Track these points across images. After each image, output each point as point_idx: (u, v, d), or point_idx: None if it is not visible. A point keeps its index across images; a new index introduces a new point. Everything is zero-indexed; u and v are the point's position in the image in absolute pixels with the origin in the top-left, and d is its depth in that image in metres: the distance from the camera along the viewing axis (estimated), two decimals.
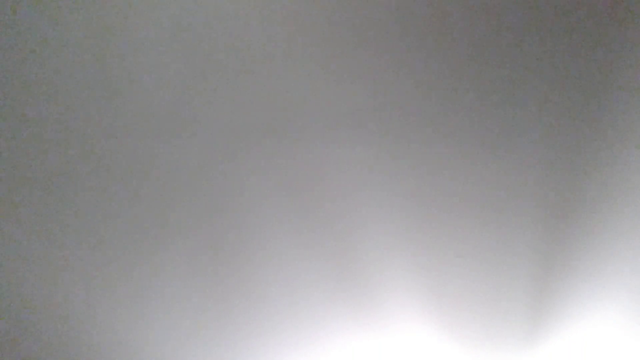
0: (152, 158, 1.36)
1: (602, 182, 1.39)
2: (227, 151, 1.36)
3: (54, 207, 1.40)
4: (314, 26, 1.24)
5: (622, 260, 1.48)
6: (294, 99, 1.31)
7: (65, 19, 1.21)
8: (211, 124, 1.33)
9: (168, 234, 1.44)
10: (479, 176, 1.39)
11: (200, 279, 1.50)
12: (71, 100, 1.29)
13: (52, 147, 1.33)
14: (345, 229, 1.45)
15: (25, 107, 1.29)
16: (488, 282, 1.51)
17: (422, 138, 1.35)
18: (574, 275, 1.50)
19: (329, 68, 1.28)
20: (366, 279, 1.51)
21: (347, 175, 1.39)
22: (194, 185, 1.39)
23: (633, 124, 1.33)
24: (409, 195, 1.41)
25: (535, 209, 1.42)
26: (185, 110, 1.31)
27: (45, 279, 1.48)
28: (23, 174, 1.36)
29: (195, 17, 1.22)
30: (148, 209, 1.41)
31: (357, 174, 1.39)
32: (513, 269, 1.49)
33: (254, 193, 1.40)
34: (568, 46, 1.26)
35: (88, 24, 1.22)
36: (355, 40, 1.25)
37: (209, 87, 1.29)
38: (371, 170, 1.38)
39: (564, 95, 1.31)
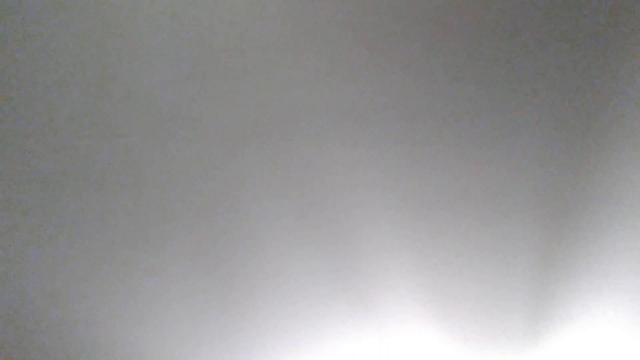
0: (152, 158, 1.36)
1: (602, 182, 1.39)
2: (227, 151, 1.36)
3: (54, 207, 1.40)
4: (314, 26, 1.24)
5: (622, 260, 1.48)
6: (294, 99, 1.31)
7: (66, 19, 1.21)
8: (211, 123, 1.33)
9: (168, 233, 1.44)
10: (479, 176, 1.39)
11: (200, 279, 1.50)
12: (71, 100, 1.29)
13: (52, 147, 1.33)
14: (345, 229, 1.45)
15: (25, 108, 1.29)
16: (488, 282, 1.51)
17: (422, 138, 1.35)
18: (574, 275, 1.50)
19: (329, 68, 1.28)
20: (366, 279, 1.51)
21: (347, 175, 1.39)
22: (193, 185, 1.39)
23: (633, 124, 1.33)
24: (409, 195, 1.41)
25: (535, 209, 1.42)
26: (185, 110, 1.31)
27: (45, 279, 1.48)
28: (23, 174, 1.36)
29: (195, 17, 1.22)
30: (148, 208, 1.41)
31: (357, 174, 1.39)
32: (513, 268, 1.49)
33: (254, 193, 1.40)
34: (568, 46, 1.26)
35: (88, 24, 1.22)
36: (355, 40, 1.25)
37: (209, 87, 1.29)
38: (371, 170, 1.38)
39: (564, 95, 1.31)
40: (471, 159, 1.37)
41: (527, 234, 1.45)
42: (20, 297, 1.50)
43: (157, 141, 1.34)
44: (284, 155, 1.36)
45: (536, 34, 1.25)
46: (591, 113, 1.32)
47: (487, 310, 1.55)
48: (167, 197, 1.40)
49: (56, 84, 1.27)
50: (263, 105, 1.31)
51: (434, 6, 1.23)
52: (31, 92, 1.28)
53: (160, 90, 1.29)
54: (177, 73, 1.27)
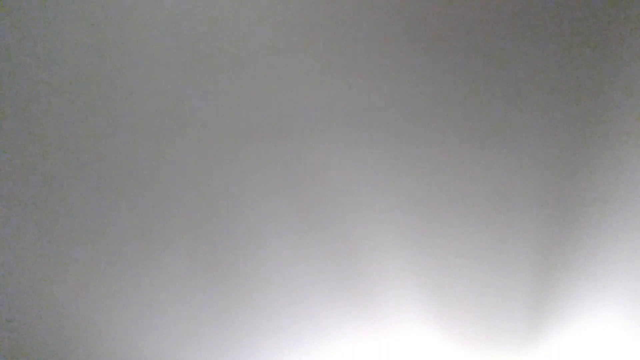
0: (152, 158, 1.36)
1: (602, 182, 1.39)
2: (227, 151, 1.36)
3: (54, 207, 1.40)
4: (315, 26, 1.24)
5: (622, 260, 1.48)
6: (294, 99, 1.31)
7: (65, 18, 1.21)
8: (211, 123, 1.33)
9: (168, 234, 1.44)
10: (480, 176, 1.39)
11: (200, 279, 1.50)
12: (71, 100, 1.29)
13: (52, 147, 1.33)
14: (345, 229, 1.45)
15: (25, 107, 1.29)
16: (488, 282, 1.51)
17: (422, 138, 1.35)
18: (574, 275, 1.50)
19: (329, 68, 1.28)
20: (366, 279, 1.51)
21: (347, 175, 1.39)
22: (194, 185, 1.39)
23: (633, 124, 1.33)
24: (409, 195, 1.41)
25: (535, 209, 1.42)
26: (185, 110, 1.31)
27: (45, 279, 1.48)
28: (23, 174, 1.36)
29: (195, 17, 1.22)
30: (148, 209, 1.41)
31: (357, 174, 1.39)
32: (513, 269, 1.49)
33: (254, 193, 1.40)
34: (568, 46, 1.26)
35: (88, 24, 1.22)
36: (356, 40, 1.25)
37: (209, 87, 1.29)
38: (371, 170, 1.38)
39: (564, 95, 1.31)
40: (471, 159, 1.37)
41: (527, 234, 1.45)
42: (20, 298, 1.50)
43: (157, 141, 1.34)
44: (284, 155, 1.36)
45: (536, 34, 1.25)
46: (591, 113, 1.32)
47: (487, 310, 1.55)
48: (167, 197, 1.40)
49: (56, 83, 1.27)
50: (263, 105, 1.31)
51: (433, 6, 1.23)
52: (31, 93, 1.28)
53: (160, 91, 1.29)
54: (177, 73, 1.27)
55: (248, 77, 1.28)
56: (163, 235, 1.44)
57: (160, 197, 1.40)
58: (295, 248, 1.47)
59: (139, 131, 1.33)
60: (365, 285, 1.51)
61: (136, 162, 1.36)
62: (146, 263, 1.48)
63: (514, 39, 1.25)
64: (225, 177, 1.39)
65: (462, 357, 1.61)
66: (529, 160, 1.37)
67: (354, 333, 1.58)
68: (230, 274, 1.50)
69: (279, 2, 1.22)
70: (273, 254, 1.48)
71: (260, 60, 1.27)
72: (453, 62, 1.27)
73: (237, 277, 1.50)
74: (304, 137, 1.35)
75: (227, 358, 1.60)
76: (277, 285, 1.51)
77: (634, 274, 1.49)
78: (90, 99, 1.29)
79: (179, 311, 1.54)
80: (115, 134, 1.33)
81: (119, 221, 1.42)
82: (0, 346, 1.56)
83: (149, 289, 1.50)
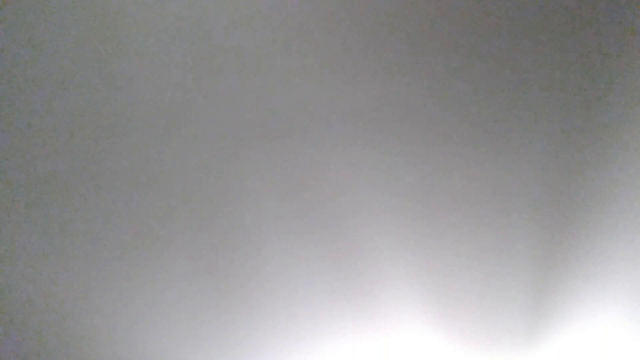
0: (152, 158, 1.36)
1: (602, 182, 1.39)
2: (227, 151, 1.36)
3: (54, 207, 1.40)
4: (314, 26, 1.24)
5: (622, 260, 1.48)
6: (294, 99, 1.31)
7: (66, 19, 1.21)
8: (211, 124, 1.33)
9: (168, 234, 1.44)
10: (479, 176, 1.39)
11: (200, 279, 1.50)
12: (71, 100, 1.29)
13: (52, 147, 1.33)
14: (345, 229, 1.45)
15: (25, 107, 1.29)
16: (488, 282, 1.51)
17: (422, 138, 1.35)
18: (574, 275, 1.50)
19: (329, 68, 1.28)
20: (366, 279, 1.51)
21: (347, 175, 1.39)
22: (194, 185, 1.39)
23: (633, 124, 1.33)
24: (409, 195, 1.41)
25: (535, 209, 1.42)
26: (185, 110, 1.31)
27: (45, 279, 1.48)
28: (23, 174, 1.36)
29: (195, 17, 1.23)
30: (148, 209, 1.41)
31: (357, 174, 1.39)
32: (513, 269, 1.49)
33: (254, 193, 1.40)
34: (568, 47, 1.26)
35: (88, 24, 1.22)
36: (355, 40, 1.25)
37: (209, 87, 1.29)
38: (371, 170, 1.38)
39: (564, 95, 1.31)
40: (471, 159, 1.37)
41: (527, 234, 1.45)
42: (20, 297, 1.50)
43: (157, 141, 1.34)
44: (284, 155, 1.36)
45: (537, 34, 1.25)
46: (591, 113, 1.32)
47: (487, 310, 1.55)
48: (167, 196, 1.40)
49: (55, 84, 1.27)
50: (263, 105, 1.31)
51: (434, 6, 1.23)
52: (31, 92, 1.28)
53: (160, 91, 1.29)
54: (177, 73, 1.27)
55: (248, 77, 1.28)
56: (163, 235, 1.44)
57: (160, 196, 1.40)
58: (295, 248, 1.47)
59: (139, 131, 1.33)
60: (365, 285, 1.51)
61: (136, 162, 1.36)
62: (146, 263, 1.48)
63: (514, 39, 1.25)
64: (225, 177, 1.39)
65: (462, 357, 1.61)
66: (529, 161, 1.37)
67: (354, 333, 1.58)
68: (230, 274, 1.50)
69: (279, 2, 1.22)
70: (273, 254, 1.48)
71: (261, 60, 1.27)
72: (453, 62, 1.27)
73: (237, 277, 1.50)
74: (304, 137, 1.35)
75: (227, 358, 1.60)
76: (277, 285, 1.51)
77: (634, 274, 1.49)
78: (90, 99, 1.29)
79: (179, 311, 1.54)
80: (115, 134, 1.33)
81: (118, 221, 1.42)
82: (1, 346, 1.56)
83: (149, 288, 1.50)
